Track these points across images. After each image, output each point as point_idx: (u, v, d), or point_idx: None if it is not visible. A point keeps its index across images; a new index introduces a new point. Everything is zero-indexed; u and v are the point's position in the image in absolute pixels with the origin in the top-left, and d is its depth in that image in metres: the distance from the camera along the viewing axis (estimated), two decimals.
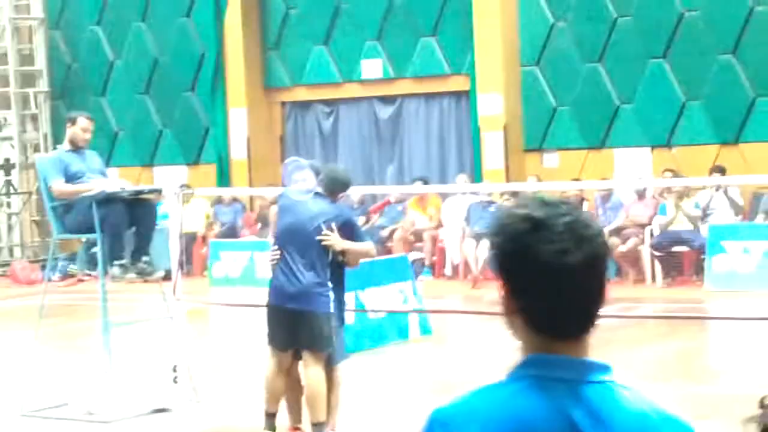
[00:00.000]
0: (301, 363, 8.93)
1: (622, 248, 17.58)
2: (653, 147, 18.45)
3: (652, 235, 17.39)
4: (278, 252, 8.97)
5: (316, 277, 8.80)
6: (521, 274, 2.58)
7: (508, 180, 18.78)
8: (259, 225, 21.00)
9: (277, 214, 9.16)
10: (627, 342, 13.28)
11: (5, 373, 11.32)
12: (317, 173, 9.07)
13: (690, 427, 2.50)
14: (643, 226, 17.62)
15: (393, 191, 19.94)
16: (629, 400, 2.54)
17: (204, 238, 20.44)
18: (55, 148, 12.23)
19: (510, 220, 2.58)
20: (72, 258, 19.92)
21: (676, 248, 17.26)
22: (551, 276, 2.53)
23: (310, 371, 8.79)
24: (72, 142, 10.69)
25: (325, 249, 8.81)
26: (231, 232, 20.67)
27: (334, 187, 8.99)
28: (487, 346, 13.20)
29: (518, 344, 2.72)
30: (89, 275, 18.95)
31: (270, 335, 8.95)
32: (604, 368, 2.62)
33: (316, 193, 8.95)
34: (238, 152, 21.50)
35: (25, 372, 10.67)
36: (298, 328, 8.76)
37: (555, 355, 2.60)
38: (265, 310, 9.06)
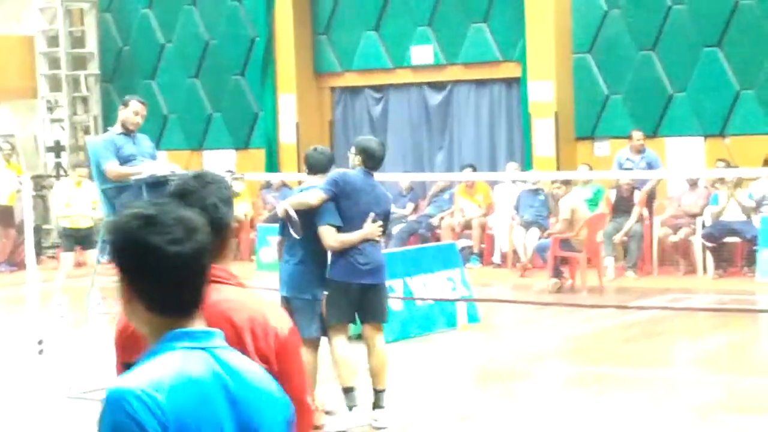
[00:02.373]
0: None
1: (673, 238, 17.42)
2: (706, 136, 18.25)
3: (703, 225, 17.21)
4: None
5: (381, 252, 9.48)
6: (143, 266, 3.01)
7: (558, 168, 18.64)
8: None
9: (337, 194, 9.16)
10: (677, 334, 13.17)
11: (53, 354, 11.36)
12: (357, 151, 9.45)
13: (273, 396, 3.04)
14: (694, 216, 17.44)
15: (442, 178, 19.87)
16: (243, 359, 3.08)
17: (252, 223, 20.46)
18: (105, 131, 12.24)
19: (124, 219, 3.02)
20: None
21: (727, 239, 17.07)
22: (169, 263, 2.97)
23: (379, 341, 9.35)
24: (124, 125, 10.70)
25: None
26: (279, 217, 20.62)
27: (374, 164, 9.46)
28: (534, 335, 13.14)
29: (141, 327, 3.07)
30: None
31: (339, 312, 9.14)
32: (220, 335, 3.06)
33: (367, 173, 9.39)
34: (287, 137, 21.48)
35: (73, 354, 10.70)
36: (371, 301, 9.27)
37: (190, 329, 2.99)
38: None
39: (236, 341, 3.45)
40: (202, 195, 3.61)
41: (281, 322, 3.59)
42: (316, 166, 9.39)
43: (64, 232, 16.16)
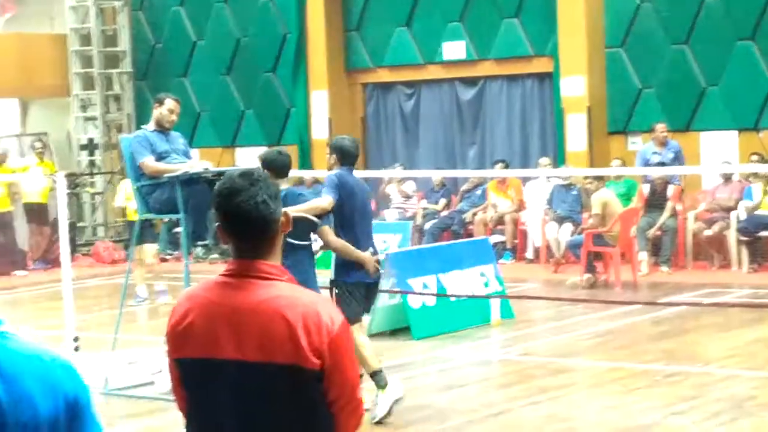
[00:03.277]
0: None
1: (708, 232, 17.34)
2: (740, 130, 18.15)
3: (738, 219, 17.12)
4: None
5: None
6: None
7: (591, 163, 18.60)
8: None
9: (342, 195, 9.34)
10: (712, 328, 13.11)
11: (89, 351, 11.42)
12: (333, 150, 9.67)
13: (70, 364, 2.67)
14: (728, 210, 17.35)
15: (474, 174, 19.84)
16: (21, 345, 2.69)
17: None
18: (138, 128, 12.27)
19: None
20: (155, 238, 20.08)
21: (762, 233, 16.98)
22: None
23: (365, 331, 9.83)
24: (158, 123, 10.74)
25: None
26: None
27: (351, 162, 9.60)
28: (567, 330, 13.11)
29: None
30: (171, 255, 19.10)
31: (352, 310, 9.24)
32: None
33: (350, 171, 9.56)
34: (319, 133, 21.52)
35: (109, 351, 10.76)
36: (370, 297, 9.70)
37: None
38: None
39: (289, 337, 3.52)
40: (252, 193, 3.63)
41: (333, 317, 3.60)
42: (283, 169, 9.22)
43: (141, 224, 16.35)
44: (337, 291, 9.42)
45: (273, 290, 3.60)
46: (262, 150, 21.88)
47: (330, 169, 9.64)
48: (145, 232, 11.02)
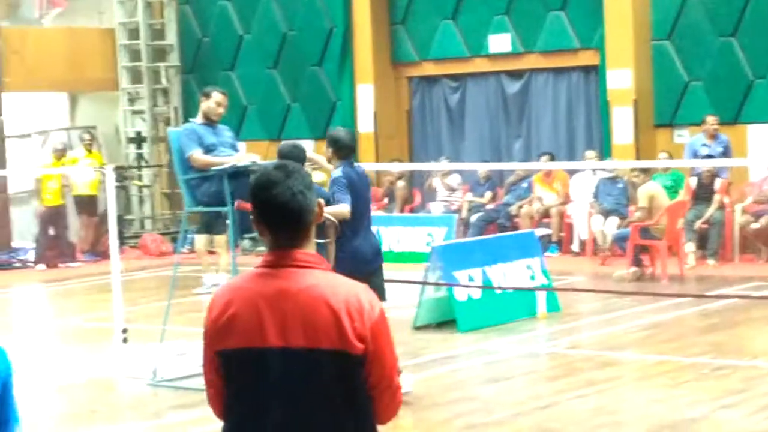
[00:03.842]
0: None
1: (755, 225, 17.24)
2: None
3: None
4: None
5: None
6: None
7: (637, 156, 18.53)
8: (386, 200, 21.07)
9: (348, 188, 9.60)
10: (760, 321, 13.04)
11: (138, 342, 11.53)
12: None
13: (2, 348, 2.85)
14: None
15: (519, 167, 19.83)
16: None
17: None
18: (186, 122, 12.36)
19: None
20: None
21: None
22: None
23: None
24: (205, 116, 10.82)
25: None
26: None
27: (347, 153, 9.85)
28: (614, 324, 13.09)
29: None
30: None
31: None
32: None
33: (349, 163, 9.78)
34: (365, 127, 21.56)
35: (157, 342, 10.85)
36: (375, 282, 9.54)
37: None
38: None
39: (334, 323, 3.63)
40: (289, 184, 3.72)
41: (373, 303, 3.72)
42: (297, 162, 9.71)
43: (209, 216, 16.56)
44: None
45: (313, 278, 3.70)
46: (308, 143, 22.14)
47: (328, 161, 9.88)
48: (214, 222, 11.07)
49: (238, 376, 3.73)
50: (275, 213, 3.73)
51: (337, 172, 9.64)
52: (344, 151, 9.77)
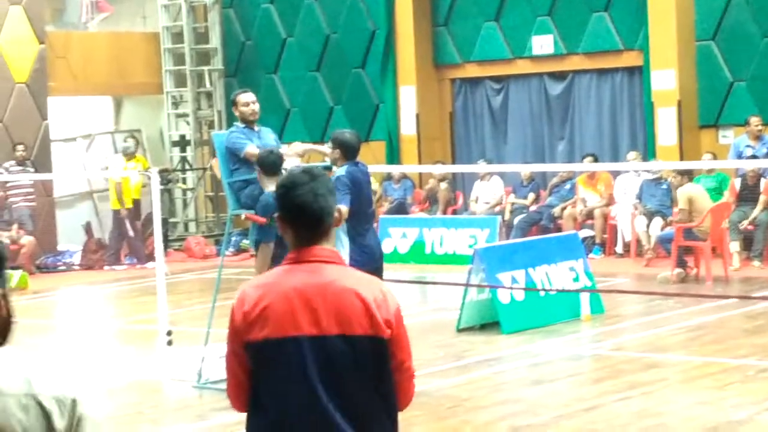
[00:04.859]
0: None
1: None
2: None
3: None
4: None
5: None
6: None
7: (681, 157, 18.45)
8: (429, 202, 21.07)
9: (351, 187, 9.73)
10: None
11: (183, 345, 11.59)
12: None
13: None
14: None
15: (563, 168, 19.78)
16: None
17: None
18: (230, 125, 12.44)
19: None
20: (245, 233, 20.26)
21: None
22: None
23: None
24: (244, 120, 10.86)
25: None
26: (400, 208, 20.79)
27: (354, 155, 10.01)
28: (658, 325, 13.03)
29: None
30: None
31: None
32: None
33: (355, 164, 9.92)
34: (407, 129, 21.58)
35: (201, 344, 10.90)
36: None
37: None
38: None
39: (365, 312, 3.95)
40: (312, 187, 4.05)
41: (390, 293, 4.04)
42: (271, 168, 9.97)
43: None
44: None
45: (337, 271, 4.03)
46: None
47: (334, 163, 9.97)
48: (266, 230, 11.05)
49: (273, 365, 3.95)
50: (298, 212, 4.03)
51: (341, 171, 9.78)
52: (351, 153, 9.95)
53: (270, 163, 9.81)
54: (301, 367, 3.92)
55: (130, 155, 20.88)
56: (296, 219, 4.04)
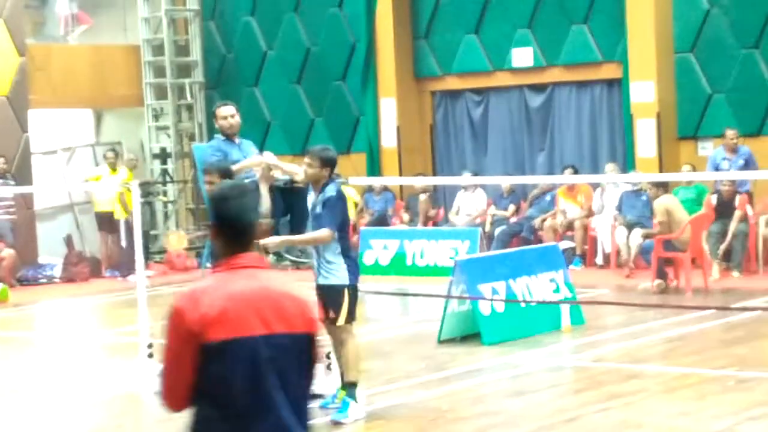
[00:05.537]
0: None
1: None
2: None
3: None
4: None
5: None
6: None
7: (661, 168, 18.52)
8: (407, 215, 21.09)
9: (341, 206, 9.85)
10: None
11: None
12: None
13: None
14: None
15: (543, 180, 19.84)
16: None
17: (354, 227, 20.61)
18: (210, 138, 12.46)
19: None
20: None
21: None
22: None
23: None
24: (224, 133, 10.88)
25: None
26: (381, 220, 20.82)
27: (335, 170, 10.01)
28: (638, 336, 13.08)
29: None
30: None
31: (353, 311, 9.85)
32: None
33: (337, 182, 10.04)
34: (388, 141, 21.62)
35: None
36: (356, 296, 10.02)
37: None
38: (351, 290, 9.88)
39: (300, 311, 4.43)
40: (243, 201, 4.48)
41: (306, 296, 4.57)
42: (227, 172, 9.89)
43: None
44: (349, 294, 9.77)
45: (269, 276, 4.48)
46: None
47: (314, 178, 9.66)
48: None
49: (228, 362, 4.31)
50: (230, 224, 4.45)
51: (331, 191, 9.66)
52: (334, 169, 9.85)
53: (224, 171, 9.78)
54: (254, 362, 4.32)
55: (131, 165, 20.90)
56: (228, 229, 4.45)
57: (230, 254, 4.44)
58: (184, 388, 4.37)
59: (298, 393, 4.44)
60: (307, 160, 9.68)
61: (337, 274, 9.70)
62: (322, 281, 9.75)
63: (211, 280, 4.44)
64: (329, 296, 9.68)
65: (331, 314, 9.67)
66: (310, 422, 4.48)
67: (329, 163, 9.69)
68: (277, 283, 4.45)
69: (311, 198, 9.81)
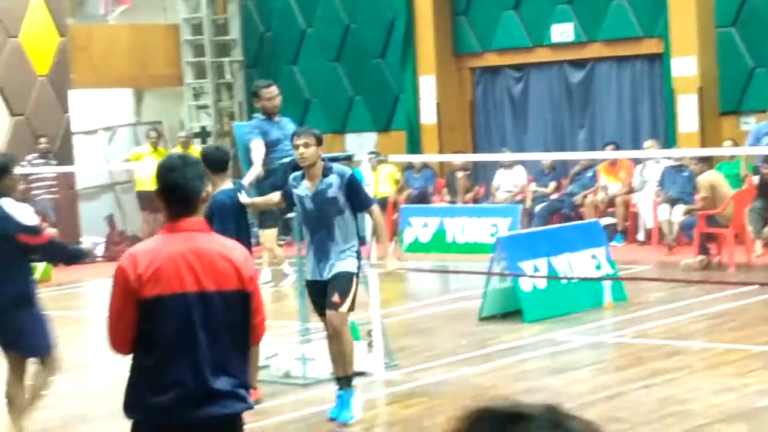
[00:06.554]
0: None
1: None
2: None
3: None
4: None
5: None
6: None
7: (703, 144, 18.40)
8: (446, 191, 21.05)
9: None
10: None
11: None
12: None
13: None
14: None
15: (584, 156, 19.74)
16: None
17: (395, 204, 20.60)
18: (249, 117, 12.49)
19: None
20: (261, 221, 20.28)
21: None
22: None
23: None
24: (265, 113, 10.93)
25: None
26: (421, 197, 20.79)
27: None
28: (680, 312, 13.02)
29: None
30: (284, 241, 19.28)
31: (354, 302, 9.23)
32: None
33: None
34: (428, 118, 21.57)
35: None
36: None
37: None
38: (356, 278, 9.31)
39: (234, 271, 4.89)
40: (185, 171, 4.94)
41: (248, 256, 5.08)
42: (218, 164, 9.52)
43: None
44: (356, 281, 9.19)
45: (208, 238, 4.99)
46: (371, 135, 22.20)
47: (314, 158, 9.23)
48: (266, 216, 11.25)
49: (165, 318, 4.83)
50: (172, 191, 4.93)
51: (344, 170, 9.40)
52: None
53: (214, 161, 9.41)
54: (186, 317, 4.83)
55: (184, 143, 21.09)
56: (170, 196, 4.95)
57: (173, 218, 4.95)
58: (127, 336, 4.89)
59: (227, 348, 4.90)
60: (303, 140, 9.10)
61: (350, 260, 9.14)
62: (335, 268, 9.08)
63: (152, 242, 5.02)
64: (339, 282, 9.04)
65: (336, 298, 9.00)
66: (238, 375, 4.91)
67: (322, 141, 9.31)
68: (215, 245, 4.94)
69: (306, 186, 9.22)
